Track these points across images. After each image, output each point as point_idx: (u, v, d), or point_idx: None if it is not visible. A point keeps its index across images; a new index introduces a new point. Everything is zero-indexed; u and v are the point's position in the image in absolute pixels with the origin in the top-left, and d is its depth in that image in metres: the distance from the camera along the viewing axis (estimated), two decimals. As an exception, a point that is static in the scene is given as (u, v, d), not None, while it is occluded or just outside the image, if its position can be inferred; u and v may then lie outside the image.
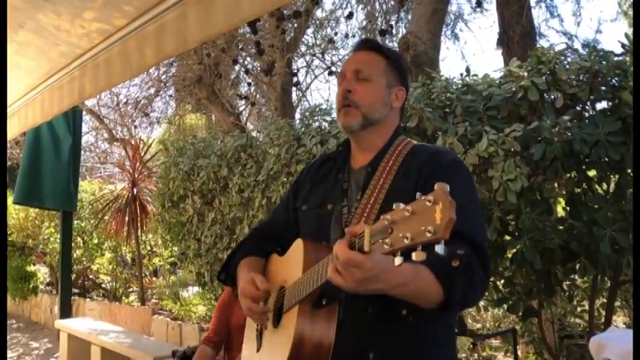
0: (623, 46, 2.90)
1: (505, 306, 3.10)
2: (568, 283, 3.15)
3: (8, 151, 10.46)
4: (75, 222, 8.05)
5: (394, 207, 1.00)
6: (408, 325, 1.36)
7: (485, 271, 1.33)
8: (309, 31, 8.69)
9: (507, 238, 2.90)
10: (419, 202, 0.96)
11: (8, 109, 3.49)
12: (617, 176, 2.84)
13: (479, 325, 5.36)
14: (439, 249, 0.93)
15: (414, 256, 0.95)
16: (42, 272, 10.02)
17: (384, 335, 1.38)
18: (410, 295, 1.23)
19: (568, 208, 2.94)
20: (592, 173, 2.90)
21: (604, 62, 2.82)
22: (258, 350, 1.58)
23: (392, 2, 7.74)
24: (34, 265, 9.78)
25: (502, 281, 3.14)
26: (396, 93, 1.58)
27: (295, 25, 7.67)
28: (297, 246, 1.47)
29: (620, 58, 2.86)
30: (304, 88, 9.31)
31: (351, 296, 1.34)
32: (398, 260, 0.99)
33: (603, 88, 2.81)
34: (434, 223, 0.92)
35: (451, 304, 1.24)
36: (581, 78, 2.87)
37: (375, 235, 1.02)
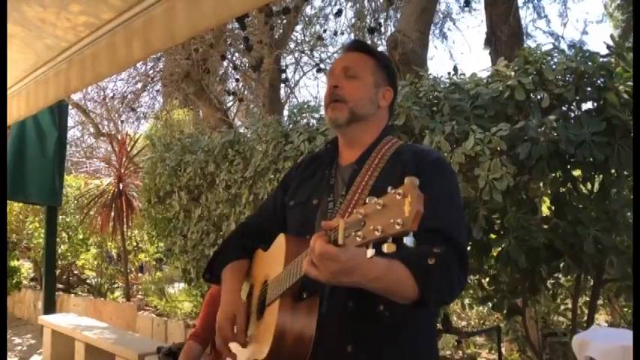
0: (608, 47, 2.93)
1: (490, 304, 3.12)
2: (552, 281, 3.18)
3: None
4: (60, 217, 7.98)
5: (367, 201, 1.02)
6: (386, 320, 1.38)
7: (463, 269, 1.35)
8: (298, 27, 8.70)
9: (493, 236, 2.93)
10: (389, 196, 0.98)
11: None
12: (601, 176, 2.87)
13: (463, 323, 5.40)
14: (408, 241, 0.95)
15: (384, 247, 0.97)
16: (26, 267, 9.92)
17: (362, 329, 1.40)
18: (384, 290, 1.24)
19: (553, 208, 2.97)
20: (577, 173, 2.93)
21: (590, 63, 2.85)
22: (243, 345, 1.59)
23: (381, 0, 7.75)
24: (18, 260, 9.68)
25: (487, 279, 3.16)
26: (383, 93, 1.61)
27: (284, 21, 7.67)
28: (280, 241, 1.49)
29: (606, 59, 2.89)
30: (292, 85, 9.33)
31: (332, 290, 1.37)
32: (369, 252, 1.01)
33: (589, 88, 2.84)
34: (402, 215, 0.94)
35: (426, 300, 1.26)
36: (567, 78, 2.89)
37: (348, 228, 1.04)
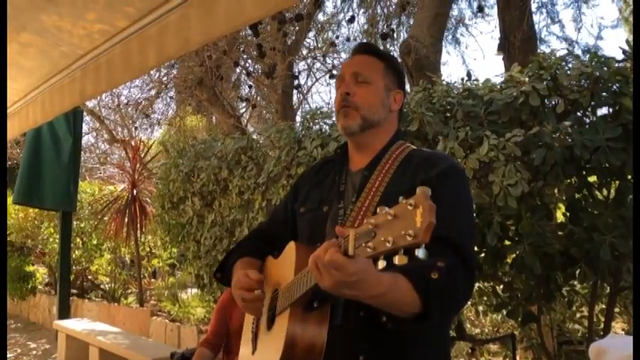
0: (624, 52, 2.91)
1: (504, 311, 3.09)
2: (567, 288, 3.15)
3: (8, 150, 10.46)
4: (74, 223, 8.05)
5: (378, 211, 1.00)
6: (390, 331, 1.34)
7: (470, 279, 1.33)
8: (311, 34, 8.73)
9: (507, 243, 2.90)
10: (401, 206, 0.96)
11: (9, 109, 3.49)
12: (617, 182, 2.84)
13: (477, 330, 5.35)
14: (420, 253, 0.93)
15: (396, 259, 0.95)
16: (41, 272, 10.01)
17: (373, 340, 1.38)
18: (384, 305, 1.21)
19: (568, 214, 2.94)
20: (592, 179, 2.90)
21: (605, 68, 2.82)
22: (253, 353, 1.58)
23: (393, 6, 7.76)
24: (33, 265, 9.77)
25: (501, 286, 3.13)
26: (394, 96, 1.60)
27: (297, 28, 7.70)
28: (290, 248, 1.47)
29: (621, 64, 2.86)
30: (305, 91, 9.35)
31: (346, 300, 1.34)
32: (381, 264, 0.99)
33: (604, 94, 2.81)
34: (414, 227, 0.92)
35: (428, 315, 1.22)
36: (582, 84, 2.87)
37: (359, 239, 1.02)
